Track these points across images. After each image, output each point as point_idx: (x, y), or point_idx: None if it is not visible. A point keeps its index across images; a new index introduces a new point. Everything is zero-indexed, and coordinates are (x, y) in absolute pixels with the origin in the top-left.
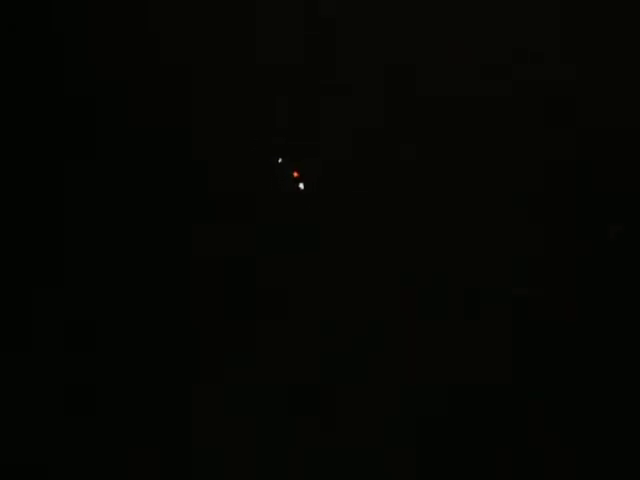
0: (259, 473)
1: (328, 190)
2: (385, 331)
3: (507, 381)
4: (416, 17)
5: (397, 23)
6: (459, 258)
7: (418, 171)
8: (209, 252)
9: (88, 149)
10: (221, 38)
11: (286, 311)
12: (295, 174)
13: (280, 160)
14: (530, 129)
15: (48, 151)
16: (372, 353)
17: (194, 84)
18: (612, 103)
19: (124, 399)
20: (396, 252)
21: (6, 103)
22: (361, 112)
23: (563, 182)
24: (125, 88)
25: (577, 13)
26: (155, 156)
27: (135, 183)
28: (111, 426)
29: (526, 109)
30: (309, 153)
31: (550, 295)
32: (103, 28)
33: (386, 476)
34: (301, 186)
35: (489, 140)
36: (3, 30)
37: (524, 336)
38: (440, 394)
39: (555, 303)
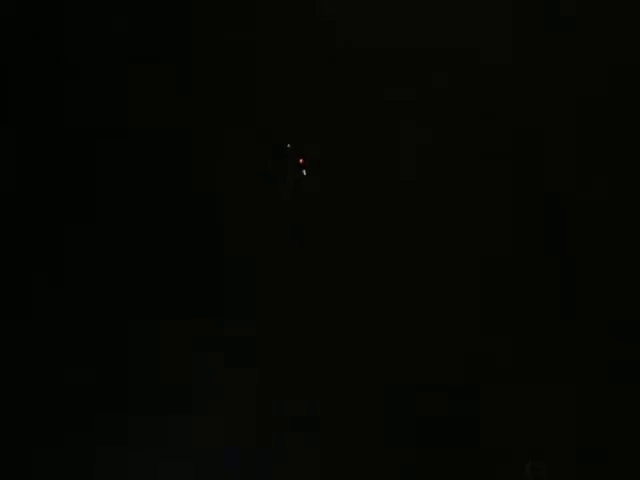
0: (259, 473)
1: (328, 190)
2: (383, 330)
3: (506, 380)
4: (415, 17)
5: (396, 23)
6: (458, 258)
7: (417, 169)
8: (209, 252)
9: (88, 149)
10: (221, 38)
11: (286, 311)
12: (300, 161)
13: (289, 145)
14: (531, 132)
15: (48, 152)
16: (370, 352)
17: (194, 84)
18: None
19: (124, 399)
20: (395, 252)
21: (6, 101)
22: (361, 112)
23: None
24: (125, 88)
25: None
26: (155, 156)
27: (135, 183)
28: (111, 426)
29: (527, 111)
30: (310, 153)
31: (546, 295)
32: (103, 27)
33: (386, 476)
34: (304, 172)
35: (489, 140)
36: (3, 30)
37: (522, 335)
38: (439, 394)
39: (549, 301)
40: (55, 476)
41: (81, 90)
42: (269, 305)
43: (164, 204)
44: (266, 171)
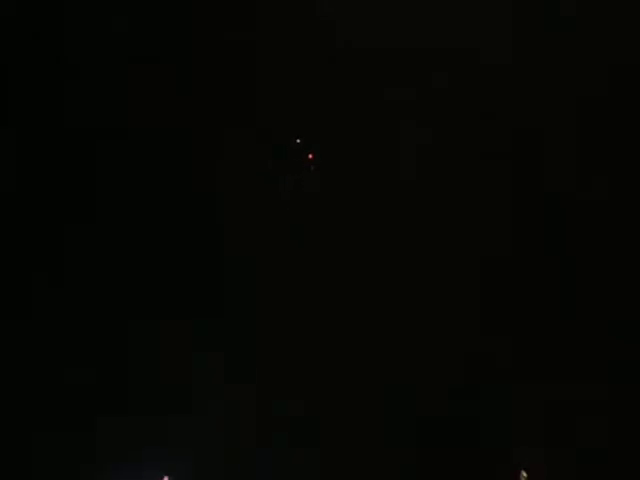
0: (259, 473)
1: (328, 190)
2: (383, 330)
3: (506, 380)
4: (415, 17)
5: (396, 23)
6: (458, 258)
7: (417, 169)
8: (209, 252)
9: (88, 149)
10: (221, 38)
11: (286, 311)
12: (310, 156)
13: (298, 141)
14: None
15: (48, 152)
16: (370, 352)
17: (194, 84)
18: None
19: (124, 399)
20: (395, 252)
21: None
22: (361, 112)
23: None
24: (125, 88)
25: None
26: (155, 156)
27: (135, 183)
28: (111, 426)
29: (527, 112)
30: (311, 152)
31: (546, 295)
32: (104, 27)
33: (386, 476)
34: (312, 167)
35: (489, 140)
36: (3, 30)
37: (522, 335)
38: (439, 394)
39: (549, 301)
40: (55, 476)
41: (81, 90)
42: (269, 305)
43: (164, 204)
44: (266, 171)
